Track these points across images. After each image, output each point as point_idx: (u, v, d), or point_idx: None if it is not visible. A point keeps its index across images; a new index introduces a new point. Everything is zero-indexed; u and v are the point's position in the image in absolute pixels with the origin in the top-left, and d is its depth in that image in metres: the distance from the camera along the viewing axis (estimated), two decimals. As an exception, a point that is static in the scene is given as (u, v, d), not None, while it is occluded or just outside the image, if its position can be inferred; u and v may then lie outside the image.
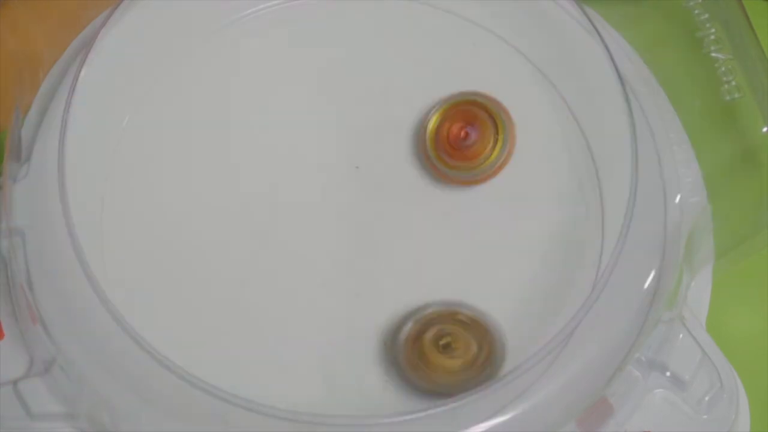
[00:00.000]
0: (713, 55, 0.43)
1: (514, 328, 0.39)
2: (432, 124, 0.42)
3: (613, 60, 0.40)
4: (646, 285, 0.39)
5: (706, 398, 0.38)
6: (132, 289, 0.40)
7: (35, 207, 0.39)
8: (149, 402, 0.37)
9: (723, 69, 0.42)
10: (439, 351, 0.39)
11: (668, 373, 0.38)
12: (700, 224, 0.40)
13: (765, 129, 0.42)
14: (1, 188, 0.39)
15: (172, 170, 0.42)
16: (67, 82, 0.41)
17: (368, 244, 0.41)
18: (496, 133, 0.41)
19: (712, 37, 0.43)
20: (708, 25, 0.43)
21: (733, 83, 0.42)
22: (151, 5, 0.42)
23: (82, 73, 0.40)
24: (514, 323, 0.40)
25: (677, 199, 0.40)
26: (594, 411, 0.37)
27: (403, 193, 0.42)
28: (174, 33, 0.43)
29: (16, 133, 0.39)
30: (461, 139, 0.41)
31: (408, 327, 0.39)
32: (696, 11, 0.43)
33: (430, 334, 0.39)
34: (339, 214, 0.41)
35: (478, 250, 0.41)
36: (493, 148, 0.41)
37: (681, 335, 0.39)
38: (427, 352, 0.39)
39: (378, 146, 0.43)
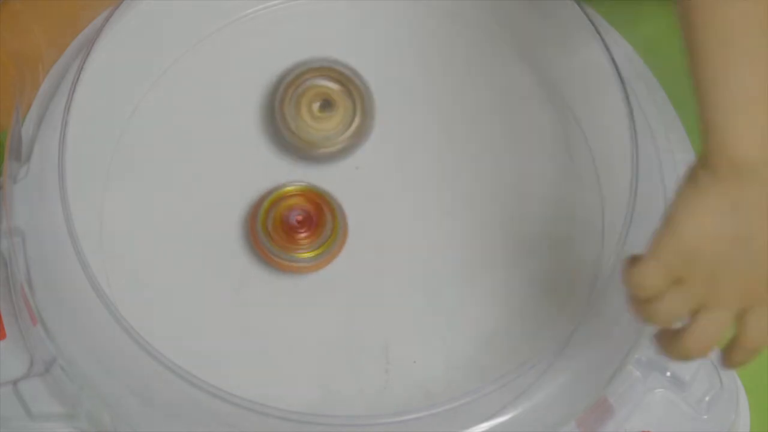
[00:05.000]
0: (713, 55, 0.42)
1: (515, 328, 0.39)
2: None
3: (614, 60, 0.40)
4: (646, 285, 0.39)
5: (706, 398, 0.38)
6: (132, 289, 0.40)
7: (35, 207, 0.39)
8: (149, 402, 0.37)
9: (723, 69, 0.42)
10: (316, 110, 0.41)
11: (668, 373, 0.38)
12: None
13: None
14: (1, 188, 0.39)
15: (172, 170, 0.42)
16: (67, 82, 0.41)
17: (369, 245, 0.41)
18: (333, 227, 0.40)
19: (712, 36, 0.43)
20: (708, 25, 0.43)
21: (733, 83, 0.42)
22: (151, 5, 0.42)
23: (82, 73, 0.40)
24: (514, 323, 0.40)
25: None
26: (594, 411, 0.37)
27: (403, 192, 0.42)
28: (174, 33, 0.43)
29: (16, 133, 0.39)
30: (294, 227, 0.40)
31: (289, 78, 0.41)
32: (696, 11, 0.43)
33: (311, 93, 0.41)
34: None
35: (478, 249, 0.41)
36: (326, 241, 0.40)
37: (681, 335, 0.39)
38: (303, 106, 0.40)
39: (377, 146, 0.43)
